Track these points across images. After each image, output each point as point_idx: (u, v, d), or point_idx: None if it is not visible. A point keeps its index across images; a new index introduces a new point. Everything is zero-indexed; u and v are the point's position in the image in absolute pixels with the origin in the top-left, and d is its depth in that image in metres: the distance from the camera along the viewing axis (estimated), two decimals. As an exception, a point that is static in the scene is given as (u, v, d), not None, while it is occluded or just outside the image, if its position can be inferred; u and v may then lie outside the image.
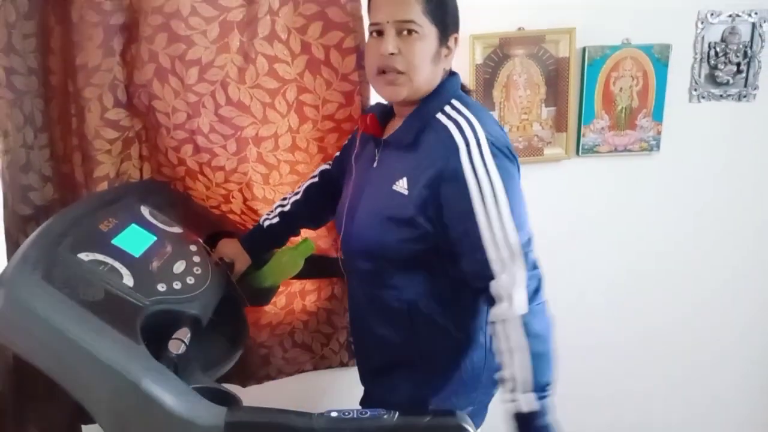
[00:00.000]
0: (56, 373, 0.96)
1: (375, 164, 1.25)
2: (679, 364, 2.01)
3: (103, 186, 1.44)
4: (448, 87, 1.19)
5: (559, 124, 1.73)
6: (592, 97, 1.72)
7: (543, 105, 1.72)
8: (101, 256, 1.12)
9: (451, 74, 1.23)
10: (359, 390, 1.40)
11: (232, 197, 1.55)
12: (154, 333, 1.10)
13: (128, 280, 1.12)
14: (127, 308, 1.07)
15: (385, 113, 1.29)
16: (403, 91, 1.15)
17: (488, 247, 1.06)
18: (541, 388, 1.04)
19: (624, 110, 1.74)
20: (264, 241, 1.46)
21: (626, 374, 2.00)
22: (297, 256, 1.49)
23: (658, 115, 1.75)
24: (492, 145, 1.08)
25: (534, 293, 1.06)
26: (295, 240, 1.52)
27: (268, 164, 1.49)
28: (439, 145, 1.11)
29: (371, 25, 1.17)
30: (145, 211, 1.34)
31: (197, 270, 1.29)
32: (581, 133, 1.74)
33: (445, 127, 1.12)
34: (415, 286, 1.19)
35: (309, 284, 1.70)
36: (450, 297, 1.19)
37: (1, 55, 1.31)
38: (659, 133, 1.76)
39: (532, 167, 1.74)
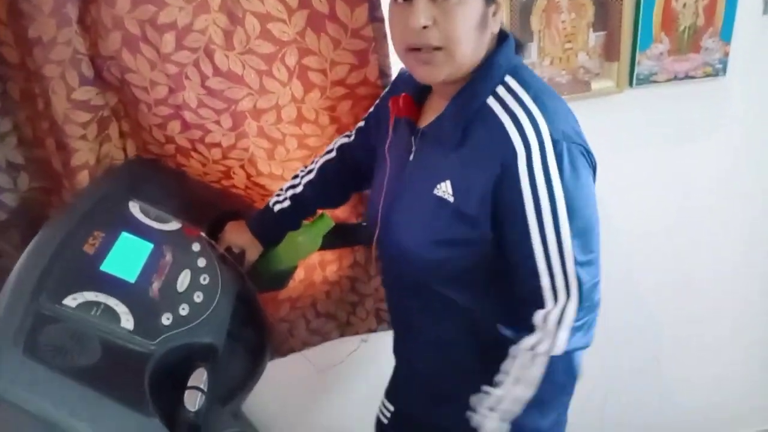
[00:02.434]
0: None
1: (411, 157, 1.02)
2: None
3: (84, 175, 1.23)
4: (499, 59, 0.92)
5: (610, 52, 1.46)
6: (650, 17, 1.43)
7: (590, 30, 1.44)
8: (91, 294, 0.96)
9: (501, 36, 0.96)
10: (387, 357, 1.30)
11: (233, 173, 1.34)
12: (165, 375, 0.96)
13: (127, 321, 0.96)
14: (130, 362, 0.93)
15: (420, 88, 1.03)
16: (443, 72, 0.90)
17: (542, 275, 0.89)
18: (518, 428, 0.95)
19: (687, 30, 1.46)
20: (275, 227, 1.28)
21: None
22: (314, 235, 1.32)
23: (726, 34, 1.47)
24: (558, 149, 0.85)
25: (578, 337, 0.91)
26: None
27: (272, 138, 1.27)
28: (493, 147, 0.88)
29: None
30: (134, 208, 1.16)
31: (204, 279, 1.13)
32: (636, 62, 1.47)
33: (500, 123, 0.88)
34: (470, 300, 1.02)
35: (329, 254, 1.53)
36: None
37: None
38: (726, 54, 1.49)
39: (577, 104, 1.47)
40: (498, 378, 0.95)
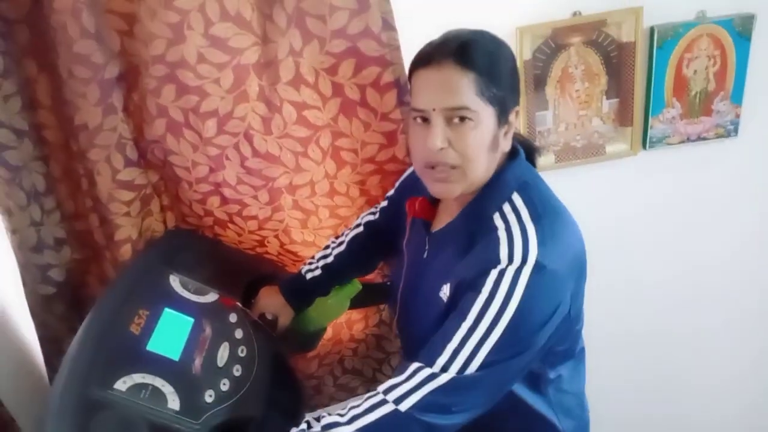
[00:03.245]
0: None
1: (425, 255, 1.08)
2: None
3: (126, 249, 1.29)
4: (508, 177, 0.99)
5: (623, 117, 1.52)
6: (662, 84, 1.49)
7: (604, 97, 1.51)
8: (139, 376, 1.00)
9: (512, 154, 1.02)
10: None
11: (267, 242, 1.40)
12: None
13: (173, 401, 1.00)
14: None
15: None
16: (458, 189, 0.97)
17: (456, 340, 0.89)
18: None
19: (698, 95, 1.52)
20: (307, 294, 1.33)
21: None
22: (343, 297, 1.38)
23: (737, 97, 1.53)
24: (536, 270, 0.88)
25: (431, 412, 0.88)
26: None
27: (306, 210, 1.33)
28: (483, 255, 0.93)
29: (414, 110, 0.96)
30: (175, 282, 1.20)
31: (242, 351, 1.18)
32: (649, 125, 1.53)
33: (497, 238, 0.93)
34: None
35: (355, 313, 1.58)
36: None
37: (-13, 131, 1.13)
38: (738, 116, 1.55)
39: (592, 167, 1.56)
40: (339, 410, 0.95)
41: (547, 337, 0.93)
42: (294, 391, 1.34)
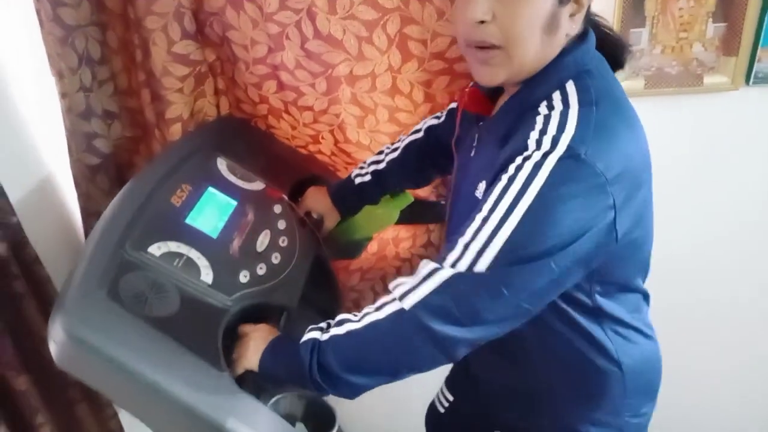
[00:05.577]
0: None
1: (473, 153, 0.96)
2: None
3: (177, 128, 1.25)
4: (566, 62, 0.83)
5: (729, 45, 1.35)
6: (778, 11, 1.31)
7: (710, 20, 1.34)
8: (175, 244, 0.97)
9: (582, 37, 0.86)
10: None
11: (322, 138, 1.33)
12: (236, 335, 0.98)
13: (207, 275, 0.97)
14: (206, 316, 0.93)
15: None
16: (500, 74, 0.83)
17: (467, 235, 0.79)
18: (334, 353, 0.84)
19: (819, 29, 1.33)
20: (355, 199, 1.26)
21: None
22: (393, 208, 1.31)
23: None
24: (570, 157, 0.74)
25: (433, 315, 0.78)
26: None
27: (364, 106, 1.25)
28: (514, 143, 0.81)
29: None
30: (222, 165, 1.16)
31: (283, 241, 1.13)
32: (756, 58, 1.35)
33: (533, 123, 0.80)
34: None
35: (403, 231, 1.50)
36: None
37: (43, -18, 1.09)
38: None
39: (685, 99, 1.40)
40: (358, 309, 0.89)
41: (583, 251, 0.77)
42: (332, 294, 1.30)
